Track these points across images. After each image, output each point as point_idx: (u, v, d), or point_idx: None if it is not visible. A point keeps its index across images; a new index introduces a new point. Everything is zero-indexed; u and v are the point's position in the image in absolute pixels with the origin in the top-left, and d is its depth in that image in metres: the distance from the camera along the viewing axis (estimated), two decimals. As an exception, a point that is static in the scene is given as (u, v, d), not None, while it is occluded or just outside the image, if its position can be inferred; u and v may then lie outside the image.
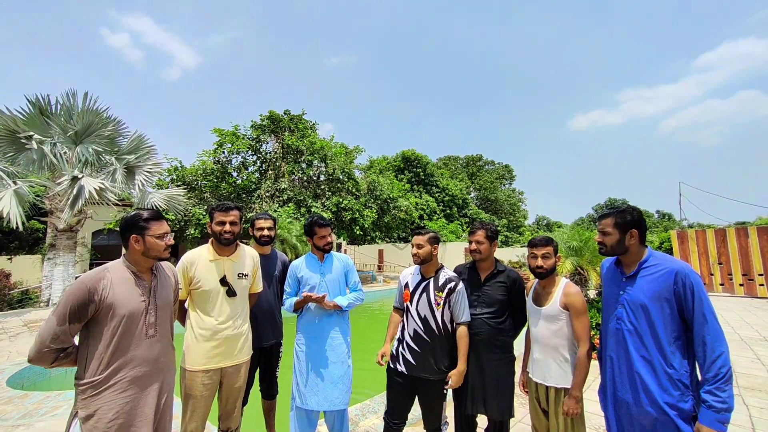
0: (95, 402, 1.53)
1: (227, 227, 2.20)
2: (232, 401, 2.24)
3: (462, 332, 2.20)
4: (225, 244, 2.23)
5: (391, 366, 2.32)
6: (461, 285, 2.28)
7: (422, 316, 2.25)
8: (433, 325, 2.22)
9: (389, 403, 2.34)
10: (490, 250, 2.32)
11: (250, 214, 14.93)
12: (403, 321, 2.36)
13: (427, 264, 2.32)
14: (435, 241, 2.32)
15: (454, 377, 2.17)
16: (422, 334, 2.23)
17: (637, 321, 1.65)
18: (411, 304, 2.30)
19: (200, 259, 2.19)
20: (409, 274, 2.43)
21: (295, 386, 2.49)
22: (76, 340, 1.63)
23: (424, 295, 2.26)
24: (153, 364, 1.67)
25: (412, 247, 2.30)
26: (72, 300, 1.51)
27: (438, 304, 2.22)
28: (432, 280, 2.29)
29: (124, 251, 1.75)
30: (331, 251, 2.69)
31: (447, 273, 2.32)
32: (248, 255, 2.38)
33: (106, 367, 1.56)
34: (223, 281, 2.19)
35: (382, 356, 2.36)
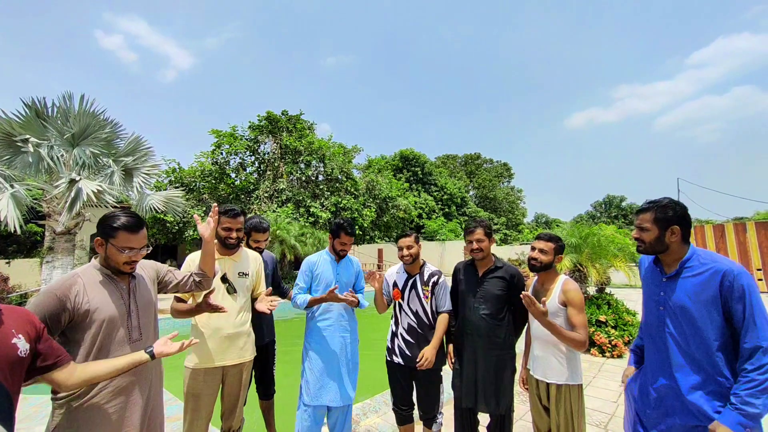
0: (77, 416, 1.42)
1: (234, 234, 2.25)
2: (233, 400, 2.25)
3: (443, 318, 2.40)
4: (229, 248, 2.29)
5: (389, 359, 2.50)
6: (443, 278, 2.50)
7: (414, 311, 2.44)
8: (424, 317, 2.43)
9: (393, 393, 2.50)
10: (489, 247, 2.33)
11: (248, 215, 14.90)
12: (396, 316, 2.53)
13: (414, 262, 2.47)
14: (418, 239, 2.51)
15: (425, 353, 2.27)
16: (415, 326, 2.43)
17: (680, 324, 1.52)
18: (403, 301, 2.48)
19: None
20: (395, 273, 2.58)
21: (305, 384, 2.48)
22: None
23: (414, 291, 2.46)
24: (140, 369, 1.55)
25: (400, 249, 2.46)
26: (40, 311, 1.37)
27: (426, 297, 2.44)
28: (418, 277, 2.48)
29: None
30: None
31: (430, 268, 2.53)
32: (251, 257, 2.43)
33: None
34: (224, 279, 2.23)
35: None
